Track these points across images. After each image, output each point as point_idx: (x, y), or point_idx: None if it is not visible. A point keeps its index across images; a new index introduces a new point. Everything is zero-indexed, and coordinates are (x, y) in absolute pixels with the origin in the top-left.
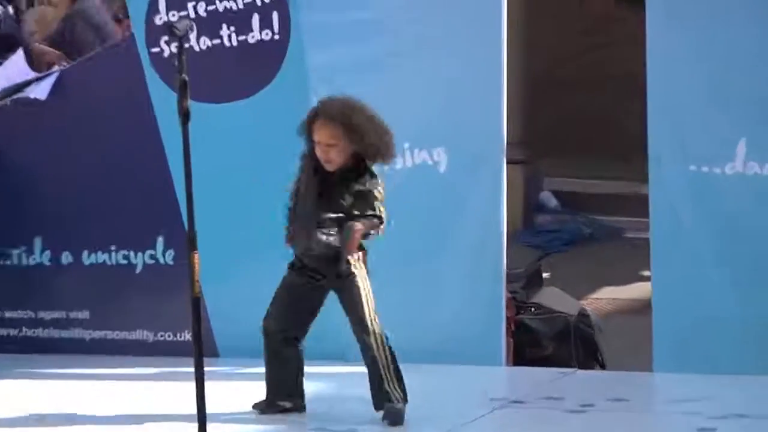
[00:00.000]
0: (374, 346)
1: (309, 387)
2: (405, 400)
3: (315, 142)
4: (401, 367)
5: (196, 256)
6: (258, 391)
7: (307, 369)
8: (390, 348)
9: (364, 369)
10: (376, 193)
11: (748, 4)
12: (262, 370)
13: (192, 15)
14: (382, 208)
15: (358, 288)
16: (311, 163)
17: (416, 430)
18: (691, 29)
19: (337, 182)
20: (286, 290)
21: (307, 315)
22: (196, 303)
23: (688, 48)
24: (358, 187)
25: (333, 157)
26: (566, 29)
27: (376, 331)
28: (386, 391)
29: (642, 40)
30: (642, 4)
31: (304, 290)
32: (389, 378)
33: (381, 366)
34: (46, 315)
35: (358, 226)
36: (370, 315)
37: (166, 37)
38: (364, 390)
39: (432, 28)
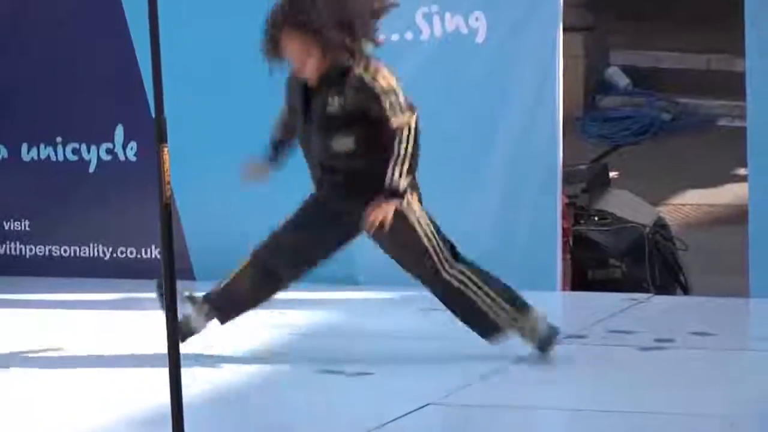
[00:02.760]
0: (455, 286)
1: (317, 316)
2: (522, 314)
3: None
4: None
5: (166, 150)
6: (244, 322)
7: (314, 295)
8: (473, 272)
9: (379, 294)
10: (375, 86)
11: None
12: None
13: None
14: (392, 108)
15: (408, 226)
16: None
17: (454, 368)
18: None
19: (324, 95)
20: (300, 228)
21: (312, 263)
22: (167, 210)
23: None
24: (348, 92)
25: (310, 67)
26: None
27: (449, 270)
28: (495, 323)
29: None
30: None
31: (322, 231)
32: (492, 305)
33: (476, 300)
34: None
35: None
36: (435, 252)
37: None
38: (380, 320)
39: None
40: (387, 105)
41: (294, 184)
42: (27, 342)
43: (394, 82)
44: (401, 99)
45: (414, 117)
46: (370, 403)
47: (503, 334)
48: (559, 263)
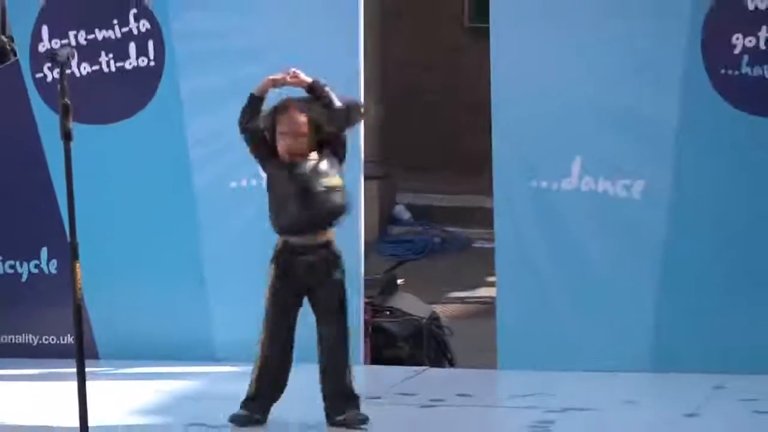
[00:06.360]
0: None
1: (185, 384)
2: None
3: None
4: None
5: (78, 265)
6: (137, 389)
7: (172, 369)
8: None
9: (235, 368)
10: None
11: (584, 44)
12: (140, 369)
13: (73, 43)
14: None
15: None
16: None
17: (280, 422)
18: (532, 55)
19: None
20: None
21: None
22: (78, 309)
23: (529, 71)
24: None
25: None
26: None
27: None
28: None
29: (487, 67)
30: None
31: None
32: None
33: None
34: None
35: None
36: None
37: (49, 64)
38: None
39: (296, 51)
40: None
41: (176, 287)
42: None
43: None
44: None
45: None
46: None
47: None
48: (362, 345)
